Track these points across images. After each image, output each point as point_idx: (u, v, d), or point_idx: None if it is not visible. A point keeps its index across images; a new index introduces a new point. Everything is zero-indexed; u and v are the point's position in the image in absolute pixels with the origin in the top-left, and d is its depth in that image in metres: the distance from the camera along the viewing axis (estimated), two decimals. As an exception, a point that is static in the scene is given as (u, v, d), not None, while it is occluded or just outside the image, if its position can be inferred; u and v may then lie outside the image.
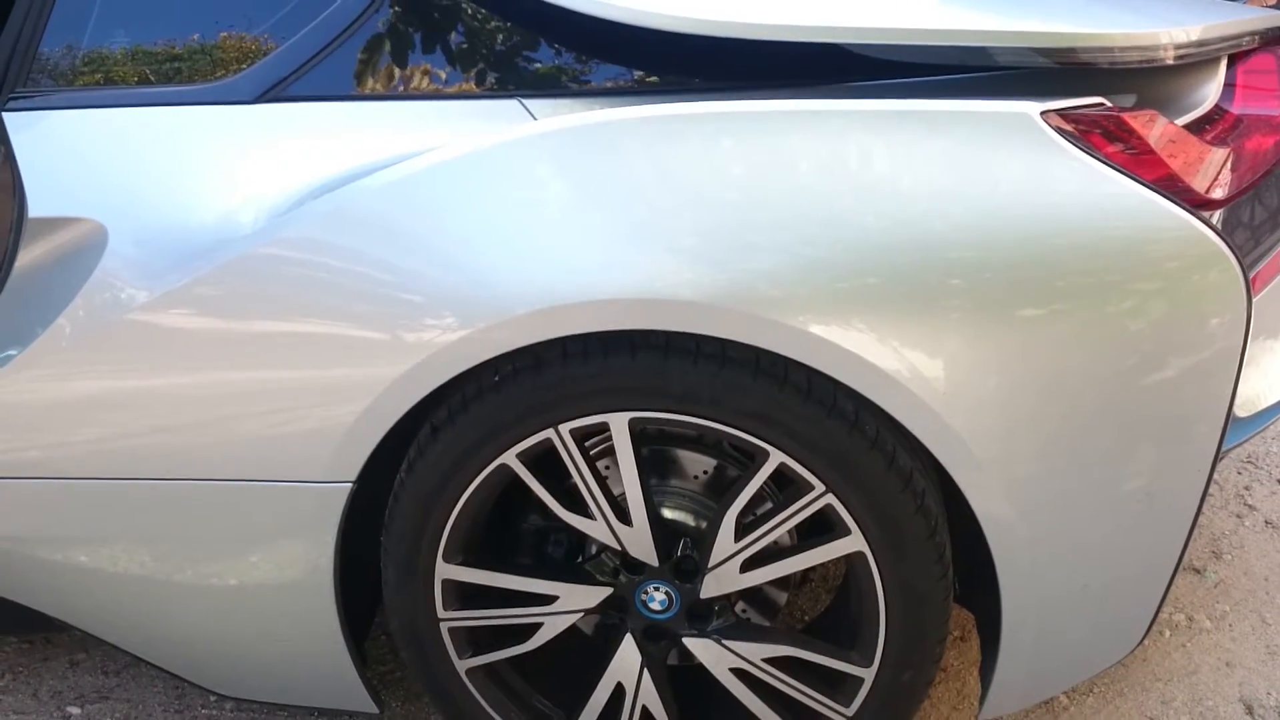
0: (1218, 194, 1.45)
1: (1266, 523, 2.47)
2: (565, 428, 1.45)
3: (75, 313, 1.50)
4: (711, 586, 1.56)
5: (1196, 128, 1.50)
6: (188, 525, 1.59)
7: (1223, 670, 2.06)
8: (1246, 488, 2.59)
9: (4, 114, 1.55)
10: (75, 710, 2.05)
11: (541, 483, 1.51)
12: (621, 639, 1.62)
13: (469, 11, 1.53)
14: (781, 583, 1.72)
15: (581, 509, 1.54)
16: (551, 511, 1.55)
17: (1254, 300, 1.38)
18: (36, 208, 1.51)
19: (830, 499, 1.44)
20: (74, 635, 2.18)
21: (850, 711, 1.58)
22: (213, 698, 2.05)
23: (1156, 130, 1.39)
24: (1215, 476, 2.58)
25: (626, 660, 1.62)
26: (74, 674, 2.14)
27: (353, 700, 1.75)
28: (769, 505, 1.56)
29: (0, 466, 1.60)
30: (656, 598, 1.59)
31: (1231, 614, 2.20)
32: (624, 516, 1.53)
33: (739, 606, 1.71)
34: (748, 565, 1.53)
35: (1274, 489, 2.58)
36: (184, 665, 1.79)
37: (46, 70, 1.61)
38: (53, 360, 1.53)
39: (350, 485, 1.50)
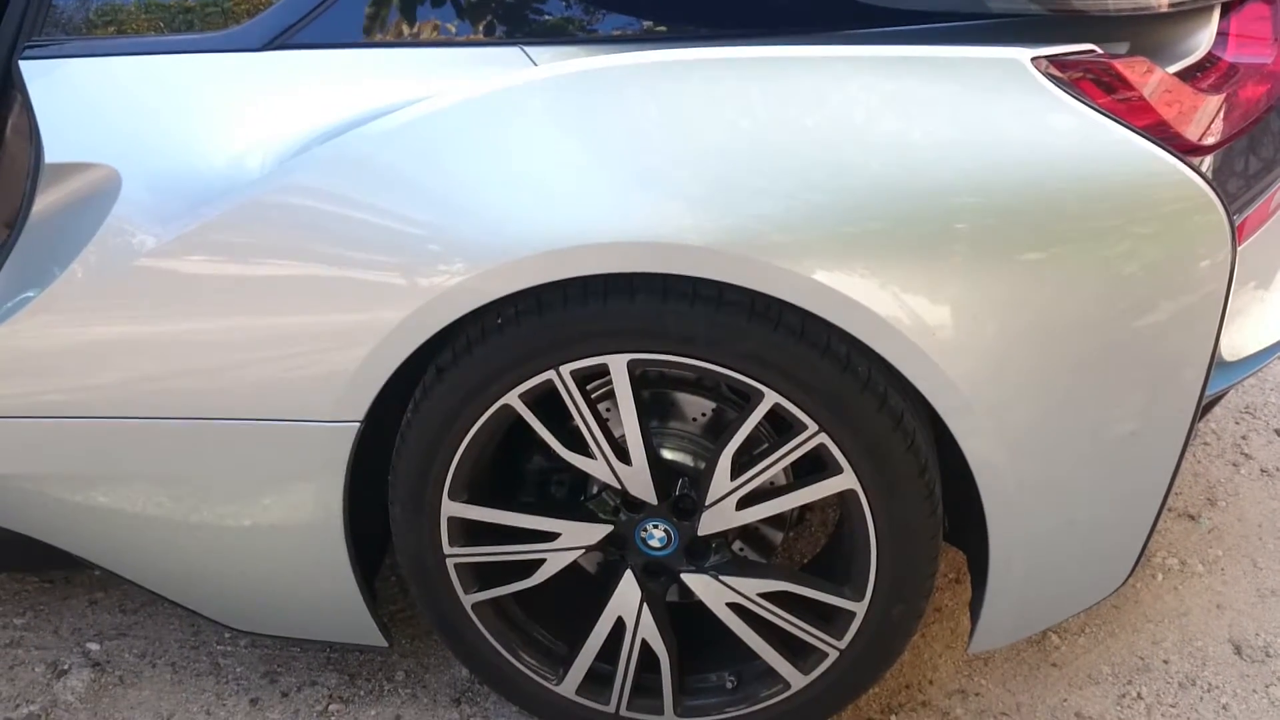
0: (1208, 141, 1.47)
1: (1262, 471, 2.50)
2: (566, 369, 1.49)
3: (89, 257, 1.54)
4: (709, 524, 1.60)
5: (1189, 75, 1.51)
6: (203, 465, 1.64)
7: (1213, 612, 2.10)
8: (1244, 437, 2.62)
9: (21, 62, 1.58)
10: (94, 646, 2.11)
11: (544, 423, 1.55)
12: (622, 575, 1.67)
13: (472, -40, 1.55)
14: (777, 522, 1.76)
15: (582, 449, 1.58)
16: (554, 451, 1.59)
17: (1240, 247, 1.40)
18: (53, 153, 1.55)
19: (823, 438, 1.47)
20: (94, 574, 2.24)
21: (842, 644, 1.63)
22: (228, 633, 2.11)
23: (1148, 77, 1.41)
24: (1212, 425, 2.63)
25: (626, 596, 1.67)
26: (93, 612, 2.20)
27: (364, 635, 1.80)
28: (765, 445, 1.60)
29: (21, 408, 1.65)
30: (656, 535, 1.63)
31: (1224, 558, 2.24)
32: (624, 456, 1.57)
33: (736, 544, 1.76)
34: (744, 503, 1.57)
35: (1270, 439, 2.61)
36: (200, 602, 1.85)
37: (60, 21, 1.64)
38: (68, 304, 1.57)
39: (358, 425, 1.54)
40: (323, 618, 1.80)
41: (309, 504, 1.63)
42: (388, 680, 2.01)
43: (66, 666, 2.06)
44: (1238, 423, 2.67)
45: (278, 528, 1.67)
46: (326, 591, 1.74)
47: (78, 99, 1.58)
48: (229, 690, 2.00)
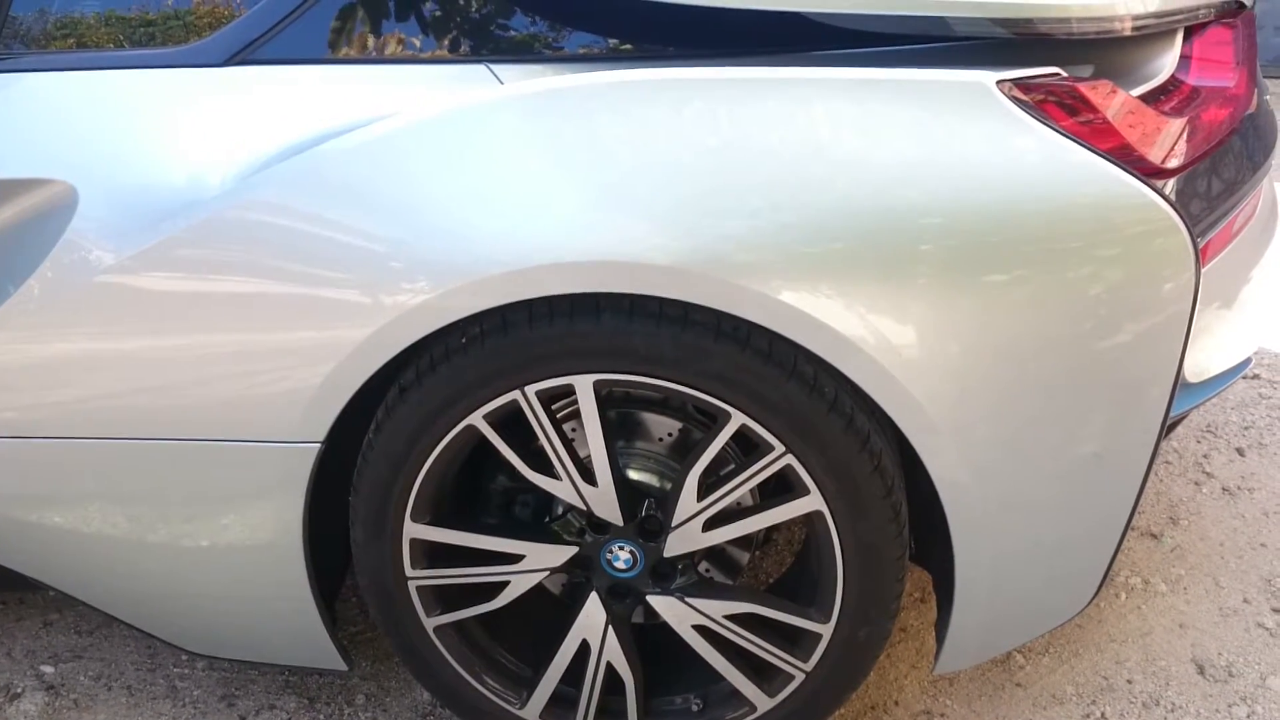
0: (1171, 164, 1.48)
1: (1224, 490, 2.52)
2: (531, 389, 1.48)
3: (45, 274, 1.51)
4: (675, 545, 1.59)
5: (1152, 98, 1.53)
6: (160, 485, 1.61)
7: (1176, 632, 2.11)
8: (1205, 456, 2.64)
9: (-26, 75, 1.56)
10: (49, 669, 2.07)
11: (509, 444, 1.54)
12: (587, 597, 1.65)
13: (438, -23, 1.54)
14: (743, 542, 1.75)
15: (548, 470, 1.57)
16: (519, 472, 1.57)
17: (1204, 268, 1.41)
18: (7, 169, 1.52)
19: (790, 459, 1.47)
20: (48, 596, 2.20)
21: (808, 666, 1.62)
22: (184, 656, 2.08)
23: (1111, 100, 1.42)
24: (1175, 444, 2.65)
25: (592, 618, 1.66)
26: (47, 634, 2.16)
27: (323, 659, 1.78)
28: (731, 466, 1.59)
29: (-27, 426, 1.62)
30: (621, 556, 1.62)
31: (1186, 578, 2.25)
32: (589, 477, 1.56)
33: (702, 565, 1.75)
34: (710, 524, 1.56)
35: (1232, 457, 2.63)
36: (156, 624, 1.82)
37: (18, 34, 1.61)
38: (24, 321, 1.54)
39: (319, 445, 1.52)
40: (281, 640, 1.77)
41: (268, 525, 1.61)
42: (348, 704, 1.99)
43: (20, 690, 2.02)
44: (1199, 441, 2.70)
45: (236, 549, 1.64)
46: (285, 614, 1.71)
47: (34, 113, 1.56)
48: (186, 714, 1.97)
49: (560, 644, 1.68)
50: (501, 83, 1.48)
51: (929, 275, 1.36)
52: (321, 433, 1.51)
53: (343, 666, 1.78)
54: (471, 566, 1.65)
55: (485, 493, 1.77)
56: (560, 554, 1.63)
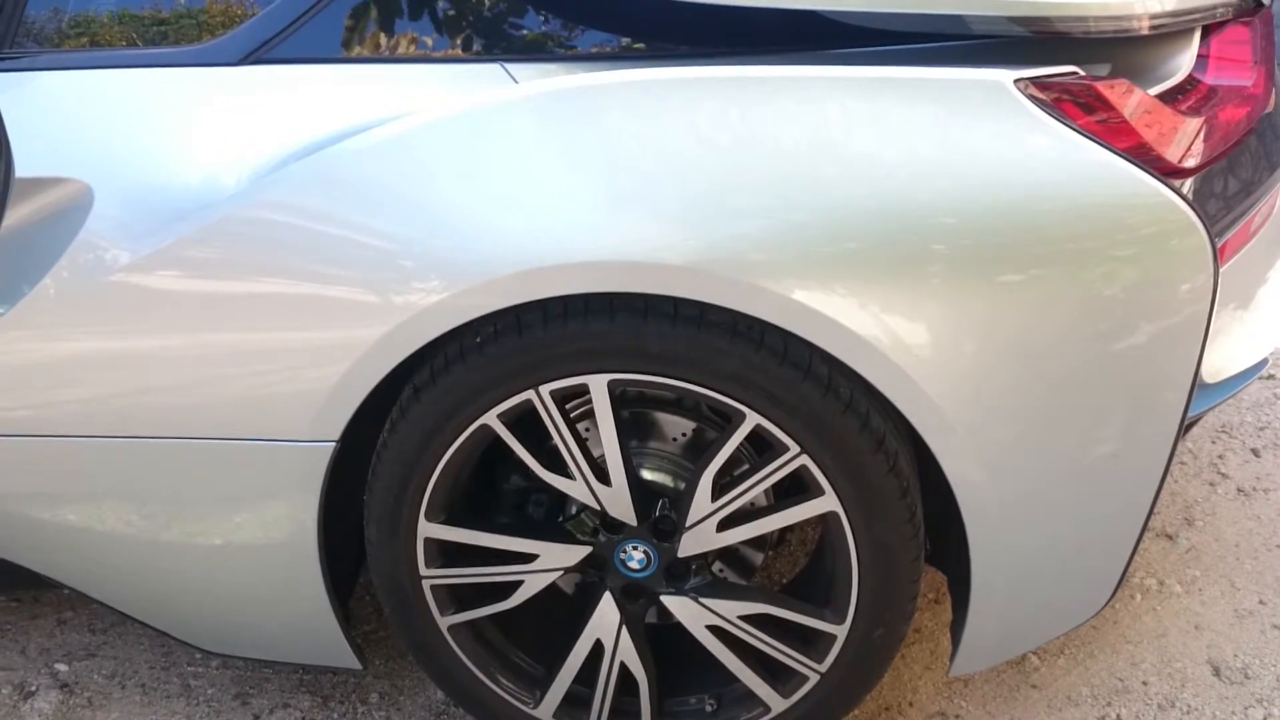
0: (1189, 163, 1.47)
1: (1239, 490, 2.50)
2: (545, 389, 1.47)
3: (60, 273, 1.52)
4: (689, 545, 1.58)
5: (1170, 97, 1.52)
6: (174, 484, 1.61)
7: (1191, 633, 2.10)
8: (1220, 456, 2.62)
9: (-10, 75, 1.56)
10: (63, 667, 2.07)
11: (522, 443, 1.54)
12: (600, 597, 1.65)
13: (452, -24, 1.54)
14: (757, 543, 1.75)
15: (561, 469, 1.56)
16: (532, 472, 1.57)
17: (1221, 268, 1.40)
18: (24, 168, 1.52)
19: (805, 460, 1.46)
20: (62, 593, 2.21)
21: (823, 668, 1.61)
22: (198, 655, 2.08)
23: (1129, 99, 1.41)
24: (1189, 445, 2.64)
25: (605, 618, 1.65)
26: (61, 631, 2.16)
27: (337, 658, 1.78)
28: (746, 466, 1.59)
29: (-11, 425, 1.62)
30: (635, 556, 1.62)
31: (1202, 579, 2.24)
32: (603, 477, 1.55)
33: (716, 566, 1.75)
34: (724, 525, 1.56)
35: (1247, 458, 2.62)
36: (170, 622, 1.82)
37: (33, 33, 1.62)
38: (39, 320, 1.54)
39: (333, 444, 1.52)
40: (295, 639, 1.77)
41: (282, 524, 1.61)
42: (361, 703, 1.99)
43: (34, 688, 2.02)
44: (1214, 442, 2.68)
45: (250, 548, 1.65)
46: (299, 613, 1.71)
47: (49, 112, 1.56)
48: (200, 713, 1.97)
49: (574, 644, 1.68)
50: (516, 82, 1.48)
51: (944, 274, 1.35)
52: (336, 432, 1.51)
53: (357, 665, 1.78)
54: (485, 566, 1.65)
55: (499, 492, 1.77)
56: (574, 554, 1.63)
